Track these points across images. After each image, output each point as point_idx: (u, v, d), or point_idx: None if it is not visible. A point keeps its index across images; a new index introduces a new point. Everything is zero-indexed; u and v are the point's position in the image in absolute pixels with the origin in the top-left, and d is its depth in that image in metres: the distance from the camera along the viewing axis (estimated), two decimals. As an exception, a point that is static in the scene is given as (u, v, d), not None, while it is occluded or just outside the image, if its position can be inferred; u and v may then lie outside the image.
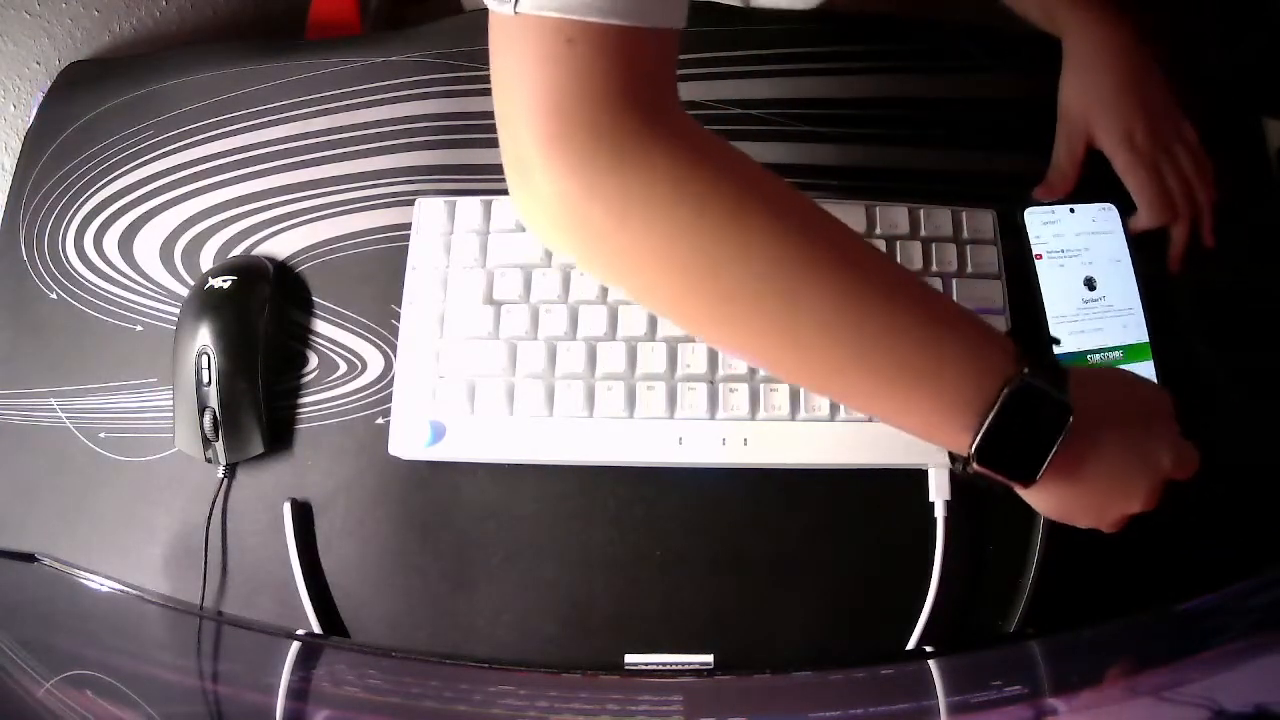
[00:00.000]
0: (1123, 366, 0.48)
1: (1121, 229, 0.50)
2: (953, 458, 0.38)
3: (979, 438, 0.35)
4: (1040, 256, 0.50)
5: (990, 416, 0.35)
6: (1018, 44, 0.56)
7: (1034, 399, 0.35)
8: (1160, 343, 0.49)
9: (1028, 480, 0.36)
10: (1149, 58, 0.52)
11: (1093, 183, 0.52)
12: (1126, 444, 0.38)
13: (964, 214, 0.50)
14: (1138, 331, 0.49)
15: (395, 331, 0.49)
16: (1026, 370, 0.35)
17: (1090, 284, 0.49)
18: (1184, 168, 0.51)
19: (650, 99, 0.32)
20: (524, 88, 0.31)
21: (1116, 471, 0.38)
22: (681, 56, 0.34)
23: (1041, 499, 0.39)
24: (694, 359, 0.46)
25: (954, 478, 0.45)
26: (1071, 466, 0.37)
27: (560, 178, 0.31)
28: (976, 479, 0.38)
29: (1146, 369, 0.48)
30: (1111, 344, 0.48)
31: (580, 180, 0.31)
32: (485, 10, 0.32)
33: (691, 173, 0.32)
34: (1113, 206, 0.51)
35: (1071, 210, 0.50)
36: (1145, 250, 0.51)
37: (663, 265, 0.33)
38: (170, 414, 0.48)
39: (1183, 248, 0.51)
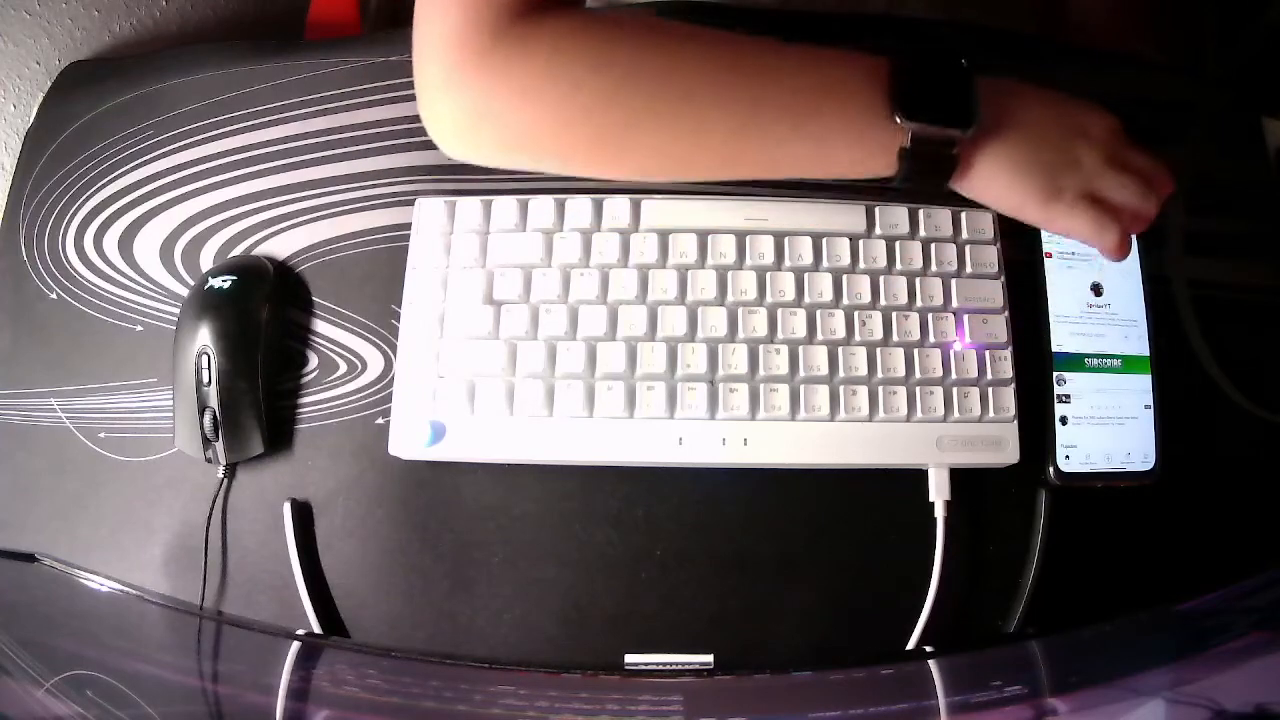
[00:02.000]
0: (1119, 376, 0.48)
1: (1135, 242, 0.50)
2: (905, 162, 0.38)
3: (894, 86, 0.36)
4: (1050, 255, 0.50)
5: (892, 74, 0.37)
6: (1018, 44, 0.56)
7: (925, 58, 0.37)
8: (1161, 359, 0.49)
9: (969, 119, 0.36)
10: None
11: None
12: (1050, 99, 0.40)
13: (964, 214, 0.49)
14: (1139, 344, 0.49)
15: (395, 331, 0.49)
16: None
17: (1097, 290, 0.49)
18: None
19: (521, 12, 0.37)
20: (433, 24, 0.38)
21: (1051, 120, 0.39)
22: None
23: (993, 162, 0.38)
24: (694, 359, 0.46)
25: (904, 179, 0.39)
26: (1003, 108, 0.38)
27: (462, 91, 0.38)
28: (924, 173, 0.37)
29: (1144, 382, 0.48)
30: (1111, 351, 0.48)
31: (478, 89, 0.37)
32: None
33: (569, 52, 0.37)
34: None
35: None
36: (1156, 264, 0.51)
37: (563, 126, 0.37)
38: (170, 414, 0.48)
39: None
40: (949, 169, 0.38)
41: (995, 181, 0.39)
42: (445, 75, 0.38)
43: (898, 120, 0.36)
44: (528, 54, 0.37)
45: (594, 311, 0.47)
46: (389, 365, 0.49)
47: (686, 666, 0.45)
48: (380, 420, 0.48)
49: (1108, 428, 0.47)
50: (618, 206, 0.49)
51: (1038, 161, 0.38)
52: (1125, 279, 0.50)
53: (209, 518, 0.47)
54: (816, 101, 0.37)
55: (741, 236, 0.48)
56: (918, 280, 0.48)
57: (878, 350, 0.47)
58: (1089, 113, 0.40)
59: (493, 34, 0.36)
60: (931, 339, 0.47)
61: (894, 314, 0.47)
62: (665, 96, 0.37)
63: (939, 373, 0.47)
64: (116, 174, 0.54)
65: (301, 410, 0.49)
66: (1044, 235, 0.50)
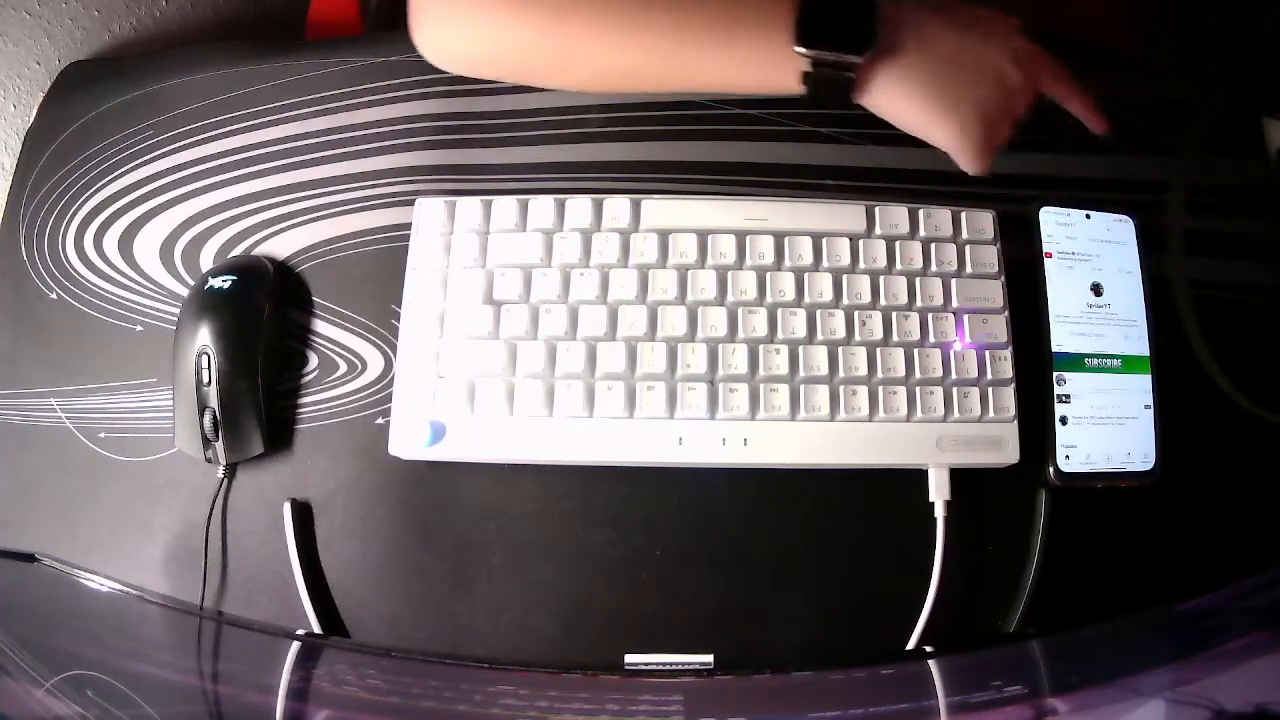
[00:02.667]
0: (1120, 376, 0.48)
1: (1135, 241, 0.50)
2: (808, 84, 0.40)
3: (799, 15, 0.39)
4: (1050, 255, 0.50)
5: (800, 2, 0.39)
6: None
7: None
8: (1161, 359, 0.49)
9: (864, 44, 0.39)
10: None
11: (1112, 192, 0.52)
12: (952, 19, 0.41)
13: (964, 214, 0.50)
14: (1139, 344, 0.49)
15: (395, 331, 0.49)
16: None
17: (1097, 290, 0.49)
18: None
19: None
20: None
21: (951, 39, 0.41)
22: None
23: (893, 82, 0.40)
24: (694, 359, 0.46)
25: (811, 98, 0.41)
26: (902, 32, 0.40)
27: (448, 19, 0.44)
28: (827, 94, 0.40)
29: (1144, 381, 0.48)
30: (1111, 351, 0.48)
31: (461, 16, 0.43)
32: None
33: None
34: (1129, 219, 0.51)
35: (1088, 216, 0.50)
36: (1156, 264, 0.51)
37: (526, 34, 0.43)
38: (170, 414, 0.48)
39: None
40: (848, 90, 0.41)
41: (898, 103, 0.41)
42: (436, 6, 0.44)
43: (796, 47, 0.39)
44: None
45: (594, 311, 0.47)
46: (389, 365, 0.49)
47: (686, 666, 0.45)
48: (380, 420, 0.48)
49: (1108, 428, 0.47)
50: (618, 206, 0.49)
51: (939, 85, 0.41)
52: (1125, 279, 0.50)
53: (209, 518, 0.47)
54: (730, 29, 0.41)
55: (741, 236, 0.48)
56: (918, 280, 0.48)
57: (878, 350, 0.47)
58: (990, 33, 0.42)
59: None
60: (931, 339, 0.47)
61: (894, 314, 0.47)
62: (603, 22, 0.42)
63: (939, 373, 0.47)
64: (116, 174, 0.54)
65: (301, 410, 0.49)
66: (1044, 235, 0.50)
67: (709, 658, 0.45)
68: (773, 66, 0.40)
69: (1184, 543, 0.48)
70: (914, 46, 0.40)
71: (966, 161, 0.43)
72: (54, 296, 0.52)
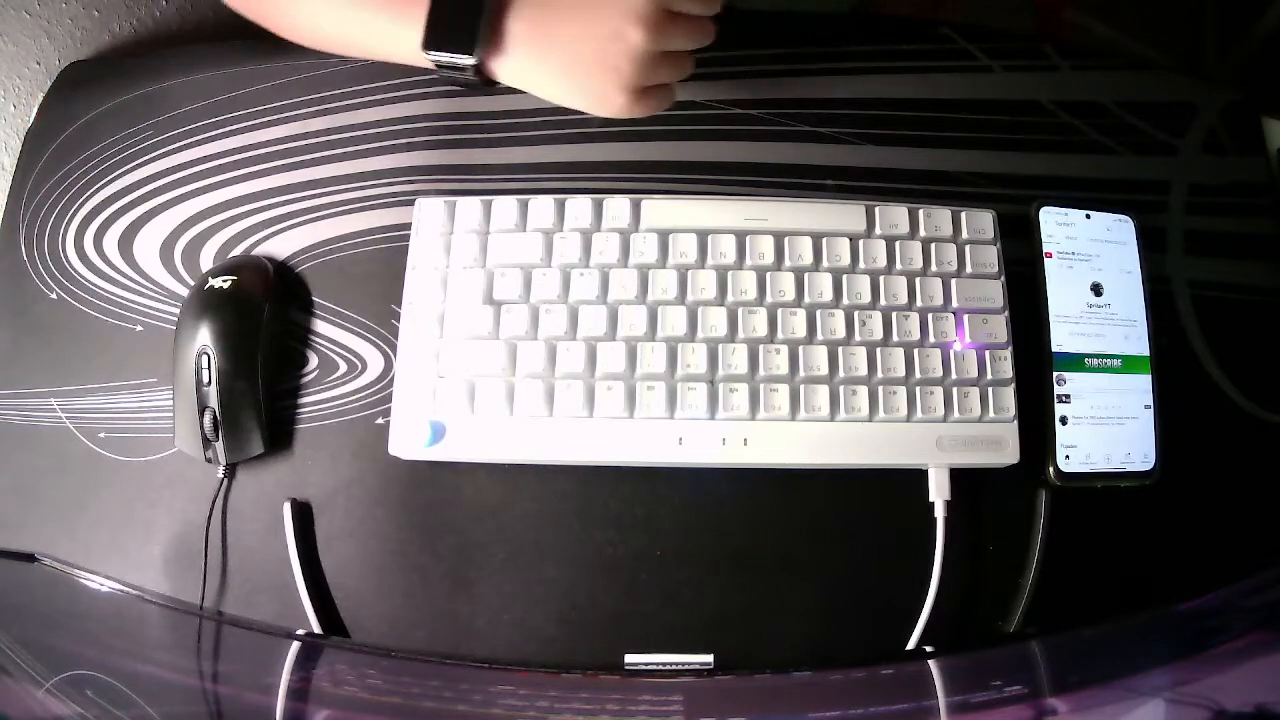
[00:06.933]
0: (1119, 376, 0.48)
1: (1135, 241, 0.50)
2: (439, 75, 0.44)
3: (428, 24, 0.43)
4: (1050, 255, 0.50)
5: (429, 9, 0.43)
6: (1017, 44, 0.56)
7: None
8: (1161, 359, 0.49)
9: (469, 46, 0.42)
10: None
11: (1112, 192, 0.53)
12: (579, 14, 0.43)
13: (964, 214, 0.49)
14: (1139, 344, 0.49)
15: (395, 331, 0.49)
16: None
17: (1097, 290, 0.49)
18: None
19: None
20: None
21: (562, 18, 0.43)
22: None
23: (519, 71, 0.43)
24: (694, 359, 0.46)
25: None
26: (518, 23, 0.43)
27: None
28: (458, 82, 0.44)
29: (1144, 381, 0.48)
30: (1111, 351, 0.48)
31: None
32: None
33: None
34: (1129, 218, 0.51)
35: (1087, 216, 0.50)
36: (1156, 264, 0.51)
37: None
38: (170, 414, 0.48)
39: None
40: (475, 81, 0.44)
41: (536, 87, 0.44)
42: None
43: (423, 51, 0.43)
44: None
45: (594, 311, 0.47)
46: (389, 365, 0.49)
47: (686, 666, 0.45)
48: (380, 420, 0.48)
49: (1108, 428, 0.47)
50: (618, 206, 0.49)
51: (565, 69, 0.43)
52: (1125, 279, 0.50)
53: (209, 518, 0.47)
54: (386, 31, 0.45)
55: (741, 236, 0.48)
56: (918, 280, 0.48)
57: (878, 350, 0.47)
58: (618, 16, 0.42)
59: None
60: (931, 339, 0.47)
61: (894, 314, 0.47)
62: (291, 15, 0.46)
63: (939, 373, 0.47)
64: (116, 174, 0.54)
65: (301, 410, 0.49)
66: (1044, 235, 0.50)
67: (709, 658, 0.45)
68: (416, 63, 0.45)
69: (1184, 543, 0.48)
70: (531, 36, 0.43)
71: (626, 116, 0.44)
72: (54, 296, 0.52)
